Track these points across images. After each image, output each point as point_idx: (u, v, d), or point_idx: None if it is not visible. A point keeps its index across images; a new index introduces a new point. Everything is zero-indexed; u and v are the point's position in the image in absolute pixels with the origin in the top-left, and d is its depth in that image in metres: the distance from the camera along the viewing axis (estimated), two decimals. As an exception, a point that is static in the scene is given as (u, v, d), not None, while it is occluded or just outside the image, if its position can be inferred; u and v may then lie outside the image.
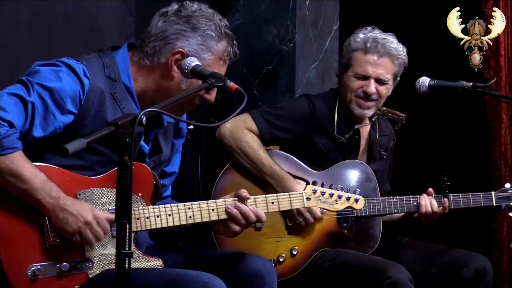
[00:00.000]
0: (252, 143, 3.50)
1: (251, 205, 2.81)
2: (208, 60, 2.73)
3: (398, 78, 3.65)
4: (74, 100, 2.61)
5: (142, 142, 2.78)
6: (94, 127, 2.60)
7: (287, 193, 2.97)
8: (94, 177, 2.65)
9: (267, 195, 2.90)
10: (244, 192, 2.81)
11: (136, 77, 2.75)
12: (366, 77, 3.56)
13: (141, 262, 2.69)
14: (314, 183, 3.02)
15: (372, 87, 3.55)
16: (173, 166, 3.02)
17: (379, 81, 3.56)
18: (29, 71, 2.63)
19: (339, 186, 3.06)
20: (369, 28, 3.62)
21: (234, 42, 2.80)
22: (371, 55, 3.55)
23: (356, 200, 3.08)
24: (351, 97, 3.58)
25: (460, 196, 3.61)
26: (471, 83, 3.48)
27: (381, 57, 3.55)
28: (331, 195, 3.02)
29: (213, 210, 2.78)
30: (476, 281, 3.51)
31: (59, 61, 2.66)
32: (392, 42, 3.57)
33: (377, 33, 3.59)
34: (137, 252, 2.68)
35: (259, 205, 2.84)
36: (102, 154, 2.65)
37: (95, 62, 2.70)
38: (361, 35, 3.59)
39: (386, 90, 3.59)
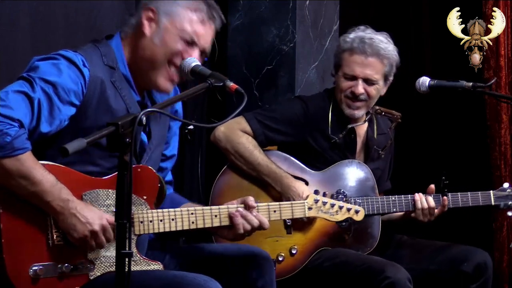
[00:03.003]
0: (247, 144, 3.50)
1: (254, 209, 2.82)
2: (179, 15, 2.72)
3: (391, 78, 3.64)
4: (76, 92, 2.60)
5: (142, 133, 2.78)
6: (98, 117, 2.62)
7: (289, 202, 2.99)
8: (100, 177, 2.64)
9: (269, 204, 2.91)
10: (251, 201, 2.80)
11: (128, 58, 2.76)
12: (354, 78, 3.56)
13: (142, 265, 2.69)
14: (316, 192, 3.05)
15: (360, 87, 3.55)
16: (172, 148, 3.02)
17: (368, 81, 3.56)
18: (28, 67, 2.62)
19: (340, 196, 3.08)
20: (361, 28, 3.61)
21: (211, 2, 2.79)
22: (358, 56, 3.55)
23: (357, 212, 3.11)
24: (341, 97, 3.59)
25: (459, 195, 3.61)
26: (471, 83, 3.47)
27: (369, 57, 3.54)
28: (332, 205, 3.05)
29: (215, 216, 2.77)
30: (477, 276, 3.51)
31: (57, 54, 2.65)
32: (380, 41, 3.56)
33: (367, 33, 3.58)
34: (138, 256, 2.68)
35: (261, 213, 2.84)
36: (104, 148, 2.64)
37: (93, 51, 2.70)
38: (351, 35, 3.59)
39: (376, 91, 3.59)
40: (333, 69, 3.69)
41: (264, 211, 2.86)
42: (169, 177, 3.06)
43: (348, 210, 3.09)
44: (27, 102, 2.51)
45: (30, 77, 2.56)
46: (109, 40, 2.80)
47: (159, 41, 2.71)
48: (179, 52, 2.73)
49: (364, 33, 3.57)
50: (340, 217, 3.08)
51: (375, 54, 3.54)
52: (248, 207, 2.80)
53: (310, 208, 3.02)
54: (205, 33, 2.78)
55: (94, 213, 2.55)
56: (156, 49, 2.72)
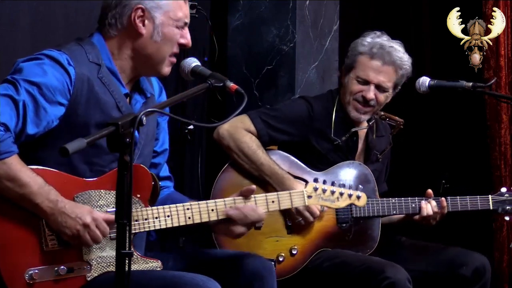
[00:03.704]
0: (250, 143, 3.50)
1: (251, 202, 2.81)
2: (168, 6, 2.71)
3: (399, 87, 3.65)
4: (63, 91, 2.59)
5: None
6: (88, 114, 2.61)
7: (287, 192, 2.96)
8: (90, 179, 2.63)
9: (267, 194, 2.89)
10: (252, 187, 2.80)
11: (113, 52, 2.74)
12: (367, 82, 3.56)
13: (140, 264, 2.68)
14: (316, 180, 3.02)
15: (372, 93, 3.55)
16: (163, 144, 3.00)
17: (379, 88, 3.56)
18: (13, 69, 2.60)
19: (341, 183, 3.05)
20: (378, 33, 3.61)
21: None
22: (375, 61, 3.54)
23: (358, 197, 3.07)
24: (349, 100, 3.58)
25: (458, 199, 3.61)
26: (471, 83, 3.47)
27: (385, 65, 3.54)
28: (333, 192, 3.01)
29: (212, 210, 2.77)
30: (475, 279, 3.51)
31: (41, 53, 2.63)
32: (398, 51, 3.57)
33: (385, 40, 3.58)
34: (135, 254, 2.67)
35: (259, 204, 2.82)
36: (99, 146, 2.63)
37: (77, 49, 2.68)
38: (368, 39, 3.58)
39: (385, 98, 3.59)
40: (342, 69, 3.68)
41: (262, 202, 2.85)
42: (165, 172, 3.05)
43: (349, 196, 3.04)
44: (12, 105, 2.50)
45: (14, 79, 2.54)
46: (90, 37, 2.77)
47: (160, 38, 2.71)
48: (178, 40, 2.75)
49: (382, 39, 3.57)
50: (342, 203, 3.03)
51: (392, 62, 3.54)
52: (247, 192, 2.79)
53: (309, 197, 2.98)
54: (188, 9, 2.79)
55: (84, 209, 2.54)
56: (158, 46, 2.71)
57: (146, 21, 2.70)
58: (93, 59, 2.68)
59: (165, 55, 2.74)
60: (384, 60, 3.53)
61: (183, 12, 2.75)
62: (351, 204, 3.08)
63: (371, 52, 3.54)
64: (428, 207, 3.54)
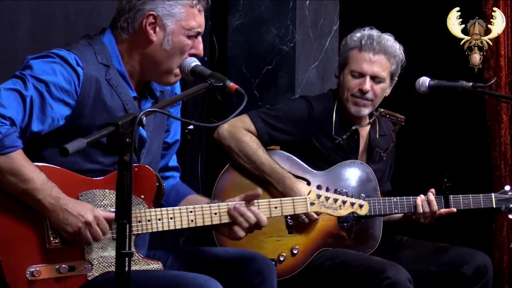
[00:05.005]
0: (251, 143, 3.50)
1: (254, 206, 2.80)
2: (181, 14, 2.70)
3: (396, 78, 3.65)
4: (70, 91, 2.59)
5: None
6: (95, 116, 2.61)
7: (290, 198, 2.97)
8: (96, 178, 2.63)
9: (270, 200, 2.90)
10: (258, 190, 2.80)
11: (123, 55, 2.73)
12: (361, 75, 3.57)
13: (141, 265, 2.68)
14: (319, 187, 3.03)
15: (368, 84, 3.56)
16: (174, 135, 2.99)
17: (375, 79, 3.57)
18: (23, 66, 2.61)
19: (344, 190, 3.06)
20: (367, 28, 3.64)
21: None
22: (366, 53, 3.56)
23: (361, 206, 3.08)
24: (348, 96, 3.59)
25: (460, 197, 3.61)
26: (471, 83, 3.48)
27: (377, 54, 3.56)
28: (335, 200, 3.02)
29: (215, 214, 2.76)
30: (477, 278, 3.52)
31: (51, 52, 2.63)
32: (388, 40, 3.59)
33: (374, 32, 3.61)
34: (137, 255, 2.67)
35: (262, 209, 2.82)
36: (105, 146, 2.62)
37: (86, 50, 2.68)
38: (358, 34, 3.62)
39: (382, 89, 3.60)
40: (338, 69, 3.69)
41: (265, 208, 2.85)
42: (174, 162, 3.04)
43: (352, 204, 3.05)
44: (19, 100, 2.51)
45: (23, 75, 2.55)
46: (101, 35, 2.77)
47: (169, 47, 2.70)
48: (188, 50, 2.73)
49: (371, 32, 3.60)
50: (344, 211, 3.05)
51: (382, 51, 3.56)
52: (251, 197, 2.78)
53: (312, 204, 2.99)
54: (203, 19, 2.77)
55: (86, 207, 2.54)
56: (168, 54, 2.70)
57: (157, 28, 2.69)
58: (102, 60, 2.68)
59: (174, 65, 2.72)
60: (375, 50, 3.55)
61: (197, 21, 2.72)
62: (353, 212, 3.09)
63: (361, 44, 3.57)
64: (425, 204, 3.54)
